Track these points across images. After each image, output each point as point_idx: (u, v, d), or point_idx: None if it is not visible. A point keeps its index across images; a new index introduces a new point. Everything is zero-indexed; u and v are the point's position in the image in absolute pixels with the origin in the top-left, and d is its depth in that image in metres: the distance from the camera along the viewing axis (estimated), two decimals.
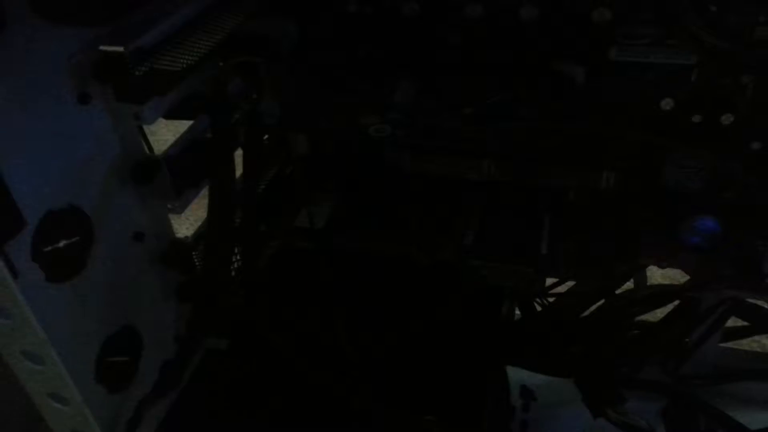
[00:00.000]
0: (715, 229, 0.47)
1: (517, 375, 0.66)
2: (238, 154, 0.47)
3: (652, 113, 0.46)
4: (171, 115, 0.47)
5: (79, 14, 0.35)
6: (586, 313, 0.61)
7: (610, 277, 0.52)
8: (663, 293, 0.60)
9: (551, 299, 0.63)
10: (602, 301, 0.61)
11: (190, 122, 0.49)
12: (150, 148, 0.49)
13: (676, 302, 0.60)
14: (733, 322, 0.61)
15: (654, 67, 0.45)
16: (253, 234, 0.44)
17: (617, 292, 0.61)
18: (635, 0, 0.43)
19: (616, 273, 0.52)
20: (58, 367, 0.40)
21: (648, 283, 0.65)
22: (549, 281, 0.63)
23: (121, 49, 0.39)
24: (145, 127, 0.48)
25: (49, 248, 0.38)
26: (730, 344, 0.65)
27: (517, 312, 0.64)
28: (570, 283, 0.62)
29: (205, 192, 0.48)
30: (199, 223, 0.51)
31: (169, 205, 0.47)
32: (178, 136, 0.48)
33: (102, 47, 0.39)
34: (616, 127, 0.46)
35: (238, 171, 0.46)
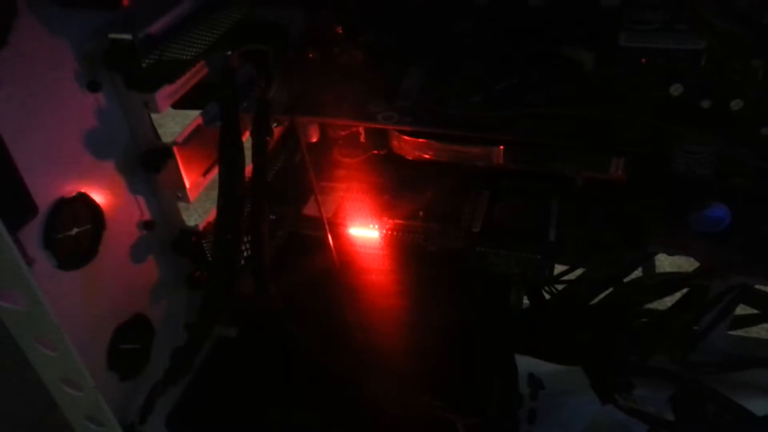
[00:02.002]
0: (725, 215, 0.47)
1: (525, 363, 0.67)
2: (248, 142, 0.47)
3: (661, 99, 0.46)
4: (180, 104, 0.47)
5: None
6: (595, 300, 0.62)
7: (618, 265, 0.52)
8: (672, 281, 0.60)
9: (560, 287, 0.63)
10: (611, 289, 0.61)
11: (197, 114, 0.49)
12: (158, 138, 0.49)
13: (685, 290, 0.60)
14: (742, 310, 0.61)
15: (663, 52, 0.45)
16: (262, 221, 0.45)
17: (626, 280, 0.61)
18: None
19: (624, 260, 0.52)
20: (72, 353, 0.40)
21: (656, 272, 0.66)
22: (558, 269, 0.63)
23: (130, 36, 0.39)
24: (154, 119, 0.48)
25: (61, 236, 0.39)
26: (739, 332, 0.65)
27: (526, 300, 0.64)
28: (579, 271, 0.62)
29: (212, 183, 0.49)
30: (208, 215, 0.52)
31: (178, 194, 0.48)
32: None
33: (111, 35, 0.39)
34: (625, 112, 0.45)
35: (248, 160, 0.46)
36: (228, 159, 0.43)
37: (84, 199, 0.41)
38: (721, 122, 0.45)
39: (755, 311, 0.62)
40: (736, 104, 0.45)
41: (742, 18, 0.40)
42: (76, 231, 0.40)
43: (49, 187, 0.38)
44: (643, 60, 0.46)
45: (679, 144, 0.46)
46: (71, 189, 0.39)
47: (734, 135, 0.45)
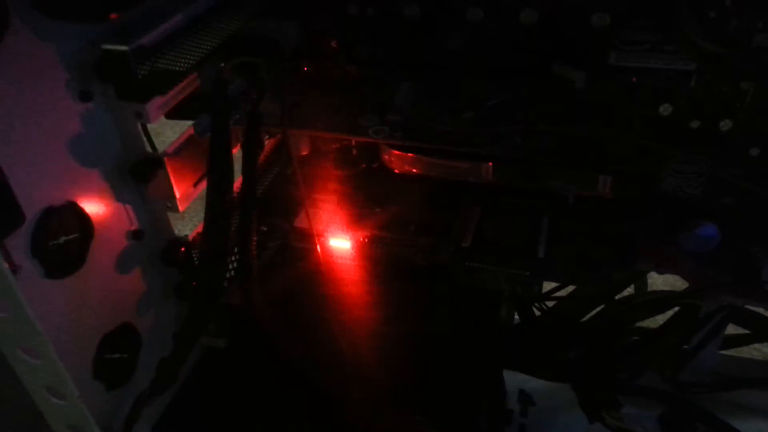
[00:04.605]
0: (714, 235, 0.47)
1: (516, 379, 0.66)
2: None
3: (650, 118, 0.46)
4: (173, 115, 0.47)
5: (78, 10, 0.36)
6: (586, 318, 0.61)
7: (607, 282, 0.52)
8: (662, 299, 0.60)
9: (550, 303, 0.63)
10: (601, 306, 0.61)
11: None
12: (153, 147, 0.49)
13: (676, 309, 0.60)
14: (735, 330, 0.61)
15: (653, 73, 0.46)
16: (250, 234, 0.45)
17: (617, 297, 0.61)
18: (634, 5, 0.43)
19: (613, 278, 0.52)
20: (56, 362, 0.40)
21: (648, 290, 0.66)
22: (551, 286, 0.63)
23: (123, 47, 0.39)
24: (150, 128, 0.49)
25: (49, 244, 0.39)
26: (731, 352, 0.65)
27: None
28: (570, 288, 0.62)
29: (205, 194, 0.49)
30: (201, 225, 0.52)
31: (168, 204, 0.48)
32: None
33: (104, 45, 0.39)
34: (614, 131, 0.46)
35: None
36: (217, 170, 0.43)
37: (72, 208, 0.41)
38: (710, 143, 0.45)
39: (747, 331, 0.62)
40: (725, 125, 0.45)
41: (729, 41, 0.41)
42: (63, 239, 0.40)
43: (38, 196, 0.38)
44: (633, 79, 0.47)
45: (669, 163, 0.46)
46: (60, 197, 0.40)
47: (723, 155, 0.45)
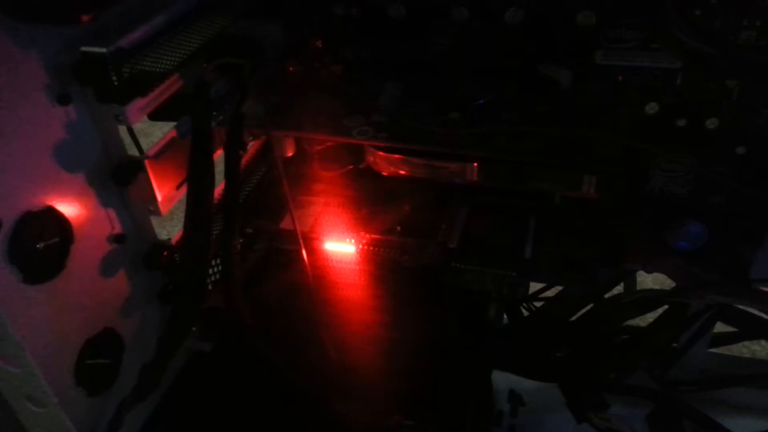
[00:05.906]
0: (701, 233, 0.47)
1: (506, 380, 0.66)
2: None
3: (637, 117, 0.46)
4: (156, 116, 0.46)
5: (49, 12, 0.35)
6: (574, 317, 0.61)
7: (594, 282, 0.51)
8: (651, 298, 0.60)
9: (539, 304, 0.62)
10: (590, 305, 0.61)
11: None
12: (140, 149, 0.49)
13: (665, 307, 0.60)
14: (725, 328, 0.61)
15: (639, 71, 0.45)
16: (232, 237, 0.44)
17: (606, 296, 0.61)
18: (620, 3, 0.43)
19: (600, 278, 0.52)
20: (35, 370, 0.39)
21: (638, 288, 0.65)
22: (540, 286, 0.63)
23: (102, 49, 0.38)
24: (138, 129, 0.48)
25: (27, 249, 0.38)
26: (721, 349, 0.65)
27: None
28: (559, 288, 0.62)
29: None
30: None
31: (150, 207, 0.47)
32: None
33: (83, 48, 0.38)
34: (601, 131, 0.45)
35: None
36: (197, 174, 0.42)
37: (51, 213, 0.40)
38: (697, 141, 0.45)
39: (735, 329, 0.62)
40: (711, 123, 0.45)
41: (713, 39, 0.40)
42: (42, 244, 0.39)
43: (15, 200, 0.37)
44: (620, 78, 0.46)
45: (655, 162, 0.46)
46: (38, 202, 0.39)
47: (710, 154, 0.45)
